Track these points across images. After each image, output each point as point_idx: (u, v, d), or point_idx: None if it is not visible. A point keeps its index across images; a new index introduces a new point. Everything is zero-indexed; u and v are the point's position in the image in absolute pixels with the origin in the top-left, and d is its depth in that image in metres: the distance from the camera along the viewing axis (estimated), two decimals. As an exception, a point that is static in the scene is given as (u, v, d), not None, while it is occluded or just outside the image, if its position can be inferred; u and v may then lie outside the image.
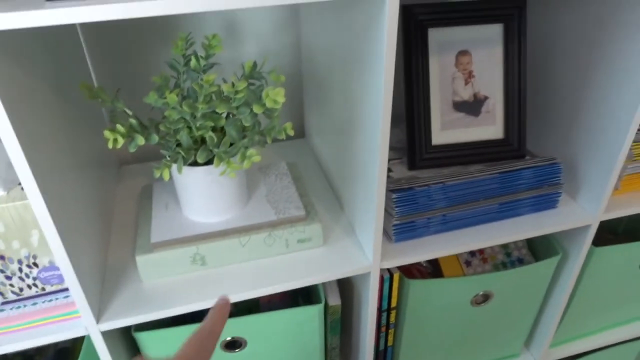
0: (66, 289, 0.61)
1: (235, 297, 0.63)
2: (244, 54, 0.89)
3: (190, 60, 0.64)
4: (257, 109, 0.54)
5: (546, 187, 0.74)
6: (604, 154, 0.71)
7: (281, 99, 0.53)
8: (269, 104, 0.54)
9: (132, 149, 0.58)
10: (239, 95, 0.55)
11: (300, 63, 0.92)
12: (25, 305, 0.59)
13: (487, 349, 0.93)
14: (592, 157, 0.73)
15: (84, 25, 0.80)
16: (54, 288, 0.60)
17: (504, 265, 0.88)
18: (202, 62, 0.60)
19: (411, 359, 0.87)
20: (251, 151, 0.57)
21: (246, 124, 0.57)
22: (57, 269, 0.59)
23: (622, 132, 0.67)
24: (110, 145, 0.56)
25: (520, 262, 0.88)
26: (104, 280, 0.65)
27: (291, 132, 0.60)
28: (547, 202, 0.76)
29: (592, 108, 0.71)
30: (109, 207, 0.78)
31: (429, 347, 0.86)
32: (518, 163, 0.73)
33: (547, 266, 0.82)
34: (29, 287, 0.59)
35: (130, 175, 0.89)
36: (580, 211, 0.76)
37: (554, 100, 0.79)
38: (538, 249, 0.87)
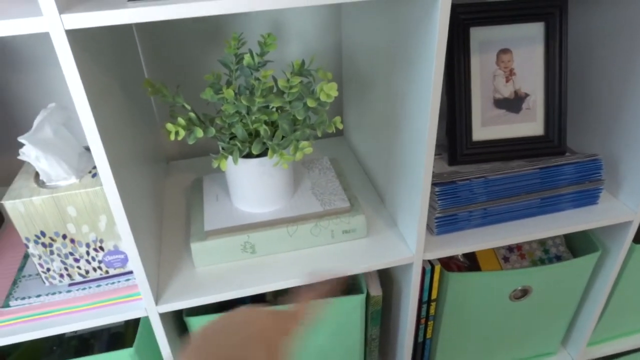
0: (127, 273, 0.65)
1: (284, 284, 0.66)
2: (286, 54, 0.92)
3: (242, 58, 0.67)
4: (310, 102, 0.57)
5: (587, 182, 0.75)
6: (647, 150, 0.71)
7: (334, 93, 0.56)
8: (322, 98, 0.56)
9: (191, 141, 0.62)
10: (294, 90, 0.58)
11: (341, 62, 0.95)
12: (90, 287, 0.63)
13: (524, 345, 0.94)
14: (635, 154, 0.74)
15: (138, 24, 0.85)
16: (116, 271, 0.64)
17: (542, 262, 0.88)
18: (257, 59, 0.63)
19: (449, 352, 0.88)
20: (303, 143, 0.60)
21: (299, 117, 0.60)
22: (121, 253, 0.63)
23: (666, 128, 0.67)
24: (172, 138, 0.60)
25: (558, 259, 0.88)
26: (160, 266, 0.69)
27: (340, 126, 0.62)
28: (587, 198, 0.76)
29: (636, 104, 0.72)
30: (161, 199, 0.82)
31: (467, 340, 0.88)
32: (559, 159, 0.74)
33: (586, 262, 0.82)
34: (94, 269, 0.63)
35: (178, 170, 0.93)
36: (622, 207, 0.77)
37: (595, 97, 0.80)
38: (577, 246, 0.88)
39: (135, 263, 0.59)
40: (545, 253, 0.89)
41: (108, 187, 0.52)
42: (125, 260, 0.63)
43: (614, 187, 0.79)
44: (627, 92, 0.73)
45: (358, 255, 0.70)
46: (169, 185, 0.88)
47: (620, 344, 0.99)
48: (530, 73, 0.76)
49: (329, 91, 0.56)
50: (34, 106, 0.85)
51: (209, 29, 0.88)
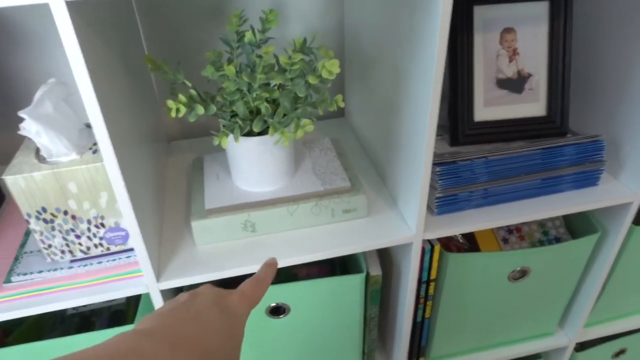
0: (128, 250, 0.65)
1: (284, 262, 0.67)
2: (287, 33, 0.92)
3: (244, 35, 0.67)
4: (312, 79, 0.57)
5: (588, 163, 0.75)
6: (649, 131, 0.71)
7: (336, 70, 0.56)
8: (324, 75, 0.56)
9: (192, 118, 0.62)
10: (295, 67, 0.58)
11: (343, 42, 0.95)
12: (91, 264, 0.64)
13: (522, 326, 0.95)
14: (636, 135, 0.73)
15: None
16: (117, 248, 0.65)
17: (541, 244, 0.89)
18: (259, 36, 0.62)
19: (447, 332, 0.89)
20: (305, 121, 0.59)
21: (300, 95, 0.59)
22: (122, 230, 0.63)
23: (669, 109, 0.67)
24: (172, 115, 0.60)
25: (558, 240, 0.89)
26: (161, 244, 0.69)
27: (342, 104, 0.62)
28: (588, 179, 0.76)
29: (639, 85, 0.71)
30: (162, 178, 0.82)
31: (465, 320, 0.88)
32: (560, 140, 0.74)
33: (585, 244, 0.83)
34: (96, 246, 0.63)
35: (179, 150, 0.93)
36: (622, 189, 0.77)
37: (598, 78, 0.79)
38: (576, 227, 0.88)
39: (136, 240, 0.59)
40: (544, 235, 0.89)
41: (109, 163, 0.52)
42: (126, 237, 0.64)
43: (614, 168, 0.79)
44: (631, 73, 0.72)
45: (358, 234, 0.70)
46: (170, 165, 0.88)
47: (617, 326, 1.00)
48: (533, 53, 0.76)
49: (330, 68, 0.56)
50: (34, 82, 0.85)
51: (210, 6, 0.87)
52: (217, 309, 0.39)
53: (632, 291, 0.96)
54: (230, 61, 0.68)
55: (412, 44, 0.59)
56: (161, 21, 0.86)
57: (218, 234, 0.68)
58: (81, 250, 0.63)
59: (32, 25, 0.81)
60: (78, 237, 0.62)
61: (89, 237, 0.62)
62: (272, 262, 0.49)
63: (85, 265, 0.63)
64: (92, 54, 0.49)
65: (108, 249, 0.64)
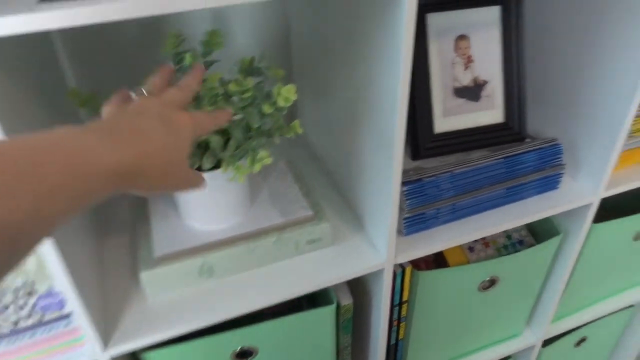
0: (66, 316, 0.56)
1: (249, 309, 0.60)
2: (228, 50, 0.84)
3: (183, 58, 0.59)
4: (267, 108, 0.51)
5: (549, 168, 0.74)
6: (605, 132, 0.71)
7: (293, 97, 0.50)
8: (281, 103, 0.50)
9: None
10: (246, 95, 0.51)
11: (290, 56, 0.88)
12: (22, 338, 0.54)
13: (492, 331, 0.94)
14: (592, 136, 0.73)
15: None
16: (53, 316, 0.55)
17: (506, 248, 0.88)
18: (201, 60, 0.55)
19: (421, 349, 0.86)
20: (262, 153, 0.53)
21: (254, 125, 0.53)
22: (56, 295, 0.54)
23: (623, 110, 0.67)
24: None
25: (521, 243, 0.88)
26: (106, 302, 0.61)
27: (299, 130, 0.56)
28: (549, 184, 0.76)
29: (592, 87, 0.71)
30: (99, 220, 0.72)
31: (437, 335, 0.86)
32: (521, 146, 0.72)
33: (549, 247, 0.82)
34: (27, 317, 0.54)
35: (115, 183, 0.83)
36: (582, 190, 0.77)
37: (552, 82, 0.79)
38: (537, 229, 0.88)
39: (74, 305, 0.51)
40: (508, 239, 0.88)
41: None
42: (62, 302, 0.55)
43: (572, 169, 0.79)
44: (585, 73, 0.72)
45: (326, 266, 0.65)
46: (107, 203, 0.79)
47: (579, 318, 1.02)
48: (488, 59, 0.74)
49: (287, 94, 0.50)
50: None
51: (143, 27, 0.78)
52: (161, 121, 0.38)
53: (592, 284, 0.98)
54: (168, 88, 0.61)
55: (371, 56, 0.55)
56: (90, 51, 0.75)
57: (172, 283, 0.61)
58: (8, 325, 0.54)
59: None
60: (4, 309, 0.52)
61: (17, 309, 0.53)
62: (228, 112, 0.48)
63: (15, 341, 0.54)
64: (3, 96, 0.40)
65: (41, 318, 0.55)
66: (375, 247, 0.67)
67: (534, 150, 0.72)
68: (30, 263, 0.51)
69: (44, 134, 0.30)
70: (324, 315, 0.70)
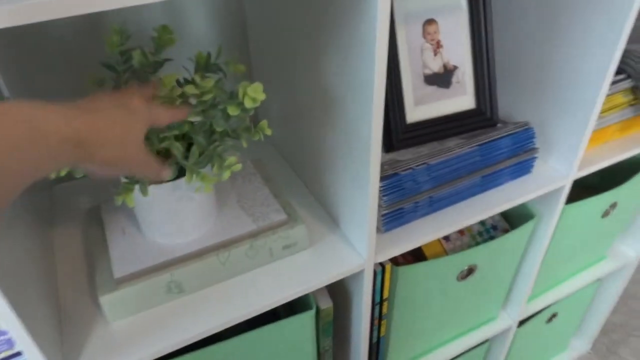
0: (17, 354, 0.50)
1: (224, 324, 0.56)
2: (180, 44, 0.78)
3: (131, 57, 0.53)
4: (232, 110, 0.46)
5: (522, 153, 0.73)
6: (576, 113, 0.70)
7: (261, 96, 0.45)
8: (247, 104, 0.45)
9: (78, 175, 0.48)
10: (206, 98, 0.46)
11: (247, 48, 0.83)
12: (-32, 383, 0.48)
13: (469, 318, 0.93)
14: (563, 118, 0.72)
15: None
16: (3, 355, 0.49)
17: (480, 235, 0.87)
18: (152, 58, 0.49)
19: (402, 344, 0.85)
20: (231, 159, 0.48)
21: (218, 129, 0.48)
22: (4, 332, 0.48)
23: (595, 89, 0.66)
24: (52, 176, 0.45)
25: (495, 228, 0.88)
26: (62, 334, 0.55)
27: (268, 132, 0.52)
28: (523, 169, 0.74)
29: (562, 68, 0.70)
30: (48, 239, 0.66)
31: (418, 328, 0.84)
32: (494, 132, 0.70)
33: (524, 231, 0.82)
34: (-30, 360, 0.48)
35: (65, 195, 0.76)
36: (554, 173, 0.76)
37: (520, 64, 0.77)
38: (510, 213, 0.87)
39: (23, 342, 0.45)
40: (482, 225, 0.87)
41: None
42: (11, 340, 0.48)
43: (544, 152, 0.78)
44: (554, 54, 0.70)
45: (304, 271, 0.61)
46: (57, 218, 0.72)
47: (551, 296, 1.03)
48: (456, 44, 0.71)
49: (254, 94, 0.45)
50: None
51: (83, 25, 0.70)
52: (115, 101, 0.42)
53: (563, 262, 0.99)
54: (117, 90, 0.54)
55: (340, 45, 0.50)
56: (23, 55, 0.67)
57: (136, 305, 0.56)
58: (-51, 370, 0.47)
59: None
60: (-60, 355, 0.46)
61: (-43, 352, 0.46)
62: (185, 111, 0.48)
63: (-41, 387, 0.48)
64: None
65: (-12, 358, 0.49)
66: (354, 247, 0.64)
67: (507, 135, 0.70)
68: (-31, 300, 0.44)
69: (8, 102, 0.33)
70: (304, 321, 0.66)
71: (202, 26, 0.77)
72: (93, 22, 0.70)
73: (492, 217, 0.88)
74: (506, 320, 0.99)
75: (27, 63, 0.68)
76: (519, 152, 0.72)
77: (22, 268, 0.49)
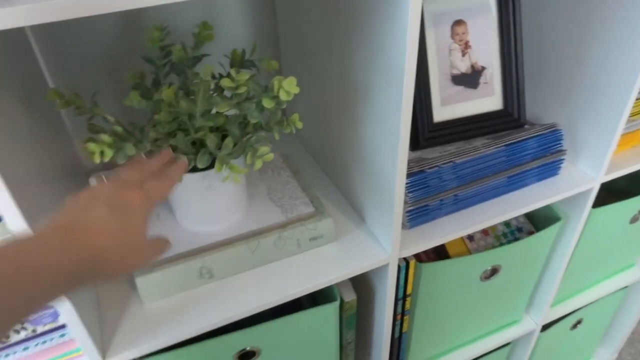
0: (60, 327, 0.53)
1: (252, 310, 0.58)
2: (214, 42, 0.81)
3: (170, 52, 0.56)
4: (267, 102, 0.48)
5: (550, 155, 0.73)
6: (605, 116, 0.70)
7: (294, 90, 0.48)
8: (282, 96, 0.47)
9: (120, 160, 0.51)
10: (241, 90, 0.48)
11: (277, 45, 0.85)
12: (15, 352, 0.51)
13: (492, 319, 0.93)
14: (593, 120, 0.72)
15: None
16: (46, 328, 0.53)
17: (505, 236, 0.87)
18: (191, 53, 0.52)
19: (424, 340, 0.85)
20: (263, 149, 0.51)
21: (253, 121, 0.50)
22: (49, 306, 0.51)
23: (625, 93, 0.66)
24: (97, 160, 0.49)
25: (520, 230, 0.88)
26: (101, 311, 0.58)
27: (299, 125, 0.54)
28: (550, 170, 0.75)
29: (592, 70, 0.70)
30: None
31: (441, 326, 0.85)
32: (521, 133, 0.71)
33: (550, 233, 0.82)
34: (17, 331, 0.51)
35: (103, 184, 0.80)
36: (582, 175, 0.76)
37: (550, 65, 0.77)
38: (535, 215, 0.87)
39: (68, 315, 0.48)
40: (507, 226, 0.87)
41: (16, 227, 0.41)
42: (55, 313, 0.52)
43: (572, 155, 0.78)
44: (585, 57, 0.71)
45: (330, 263, 0.63)
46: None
47: (576, 301, 1.02)
48: (485, 45, 0.72)
49: (288, 88, 0.47)
50: None
51: (122, 20, 0.74)
52: (109, 209, 0.38)
53: (589, 268, 0.98)
54: (156, 83, 0.58)
55: (370, 45, 0.52)
56: (67, 48, 0.71)
57: (170, 288, 0.58)
58: (-2, 339, 0.51)
59: None
60: (-8, 324, 0.49)
61: (6, 323, 0.50)
62: (182, 164, 0.48)
63: (7, 355, 0.51)
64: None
65: (34, 330, 0.52)
66: (379, 242, 0.66)
67: (535, 136, 0.71)
68: (19, 275, 0.48)
69: (4, 243, 0.32)
70: (327, 313, 0.68)
71: (235, 25, 0.80)
72: (133, 19, 0.73)
73: (517, 219, 0.88)
74: (530, 323, 0.99)
75: (70, 56, 0.72)
76: (546, 153, 0.72)
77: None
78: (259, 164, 0.51)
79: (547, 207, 0.83)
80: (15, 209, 0.40)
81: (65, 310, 0.47)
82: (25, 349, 0.52)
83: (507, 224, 0.88)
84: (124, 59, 0.75)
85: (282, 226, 0.62)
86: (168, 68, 0.58)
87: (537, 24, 0.77)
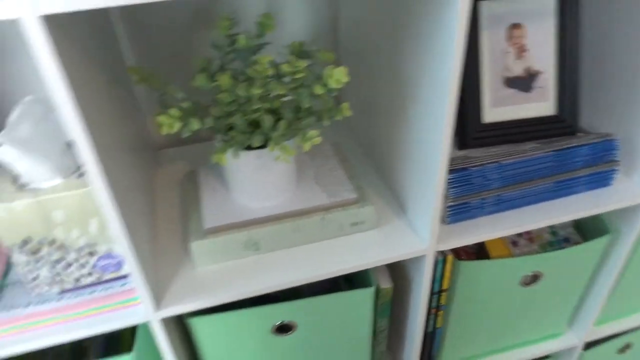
0: (122, 277, 0.60)
1: (291, 283, 0.62)
2: (277, 35, 0.86)
3: (236, 40, 0.62)
4: (318, 89, 0.52)
5: (602, 164, 0.72)
6: (665, 128, 0.68)
7: (345, 79, 0.51)
8: (332, 84, 0.51)
9: (185, 134, 0.57)
10: (298, 76, 0.53)
11: (336, 39, 0.89)
12: (82, 294, 0.59)
13: (532, 329, 0.92)
14: (651, 132, 0.71)
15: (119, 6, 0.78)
16: (110, 276, 0.60)
17: (551, 245, 0.86)
18: (254, 42, 0.57)
19: (458, 340, 0.86)
20: (312, 132, 0.55)
21: (306, 106, 0.55)
22: (114, 257, 0.58)
23: (687, 106, 0.64)
24: (165, 131, 0.55)
25: (567, 241, 0.86)
26: (157, 268, 0.64)
27: (348, 113, 0.58)
28: (602, 180, 0.73)
29: (653, 81, 0.68)
30: (152, 193, 0.77)
31: (476, 327, 0.86)
32: (573, 140, 0.71)
33: (597, 245, 0.80)
34: (86, 275, 0.58)
35: (168, 159, 0.87)
36: (635, 188, 0.74)
37: (608, 74, 0.76)
38: (585, 227, 0.85)
39: (131, 267, 0.54)
40: (553, 235, 0.86)
41: (97, 187, 0.47)
42: (120, 264, 0.59)
43: (627, 167, 0.76)
44: (645, 68, 0.69)
45: (369, 248, 0.66)
46: (160, 177, 0.83)
47: (625, 323, 0.98)
48: (542, 49, 0.72)
49: (338, 76, 0.51)
50: (7, 101, 0.78)
51: (197, 10, 0.81)
52: None
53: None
54: (222, 68, 0.63)
55: (422, 43, 0.55)
56: (147, 29, 0.80)
57: (219, 255, 0.64)
58: (71, 281, 0.58)
59: (3, 38, 0.74)
60: (67, 267, 0.57)
61: (79, 267, 0.57)
62: None
63: (77, 296, 0.58)
64: (69, 68, 0.43)
65: (100, 277, 0.59)
66: (418, 233, 0.68)
67: (587, 144, 0.70)
68: (92, 226, 0.55)
69: None
70: (363, 297, 0.71)
71: (297, 15, 0.85)
72: (206, 8, 0.80)
73: (565, 230, 0.87)
74: (572, 338, 0.96)
75: (149, 39, 0.80)
76: (598, 162, 0.72)
77: (135, 212, 0.59)
78: (307, 146, 0.55)
79: (598, 220, 0.82)
80: (97, 169, 0.46)
81: (129, 262, 0.54)
82: (92, 292, 0.59)
83: (554, 233, 0.87)
84: (194, 45, 0.82)
85: (326, 209, 0.66)
86: (233, 55, 0.63)
87: (598, 30, 0.76)
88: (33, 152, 0.51)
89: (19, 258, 0.54)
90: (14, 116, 0.51)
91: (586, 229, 0.85)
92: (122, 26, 0.78)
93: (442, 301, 0.77)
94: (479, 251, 0.85)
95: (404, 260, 0.76)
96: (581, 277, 0.85)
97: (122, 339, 0.80)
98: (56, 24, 0.41)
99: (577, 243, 0.85)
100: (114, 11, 0.77)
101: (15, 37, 0.74)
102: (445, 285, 0.75)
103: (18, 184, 0.53)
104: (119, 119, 0.62)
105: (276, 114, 0.60)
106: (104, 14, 0.71)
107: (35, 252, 0.54)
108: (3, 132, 0.49)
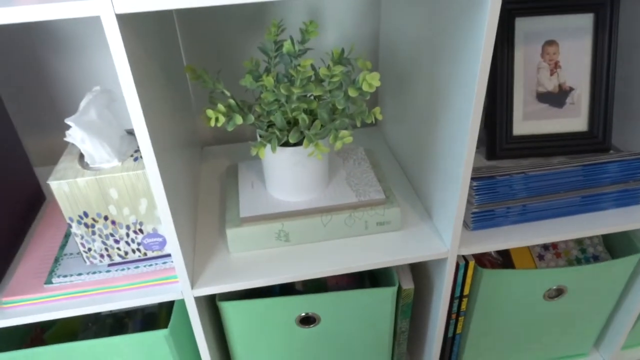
0: (165, 256, 0.66)
1: (317, 274, 0.66)
2: (322, 42, 0.92)
3: (282, 45, 0.67)
4: (352, 92, 0.57)
5: (632, 182, 0.72)
6: (698, 150, 0.68)
7: (377, 83, 0.56)
8: (365, 88, 0.56)
9: (230, 128, 0.62)
10: (335, 79, 0.57)
11: (377, 51, 0.94)
12: (128, 268, 0.65)
13: (555, 346, 0.92)
14: (684, 153, 0.71)
15: (178, 9, 0.85)
16: (154, 254, 0.66)
17: (579, 262, 0.86)
18: (297, 47, 0.63)
19: (478, 348, 0.87)
20: (343, 132, 0.59)
21: (339, 107, 0.59)
22: (159, 236, 0.64)
23: None
24: (212, 124, 0.60)
25: (596, 259, 0.86)
26: (195, 251, 0.70)
27: (380, 117, 0.62)
28: (632, 198, 0.74)
29: (688, 102, 0.69)
30: (196, 184, 0.83)
31: (497, 337, 0.86)
32: (603, 156, 0.72)
33: (625, 264, 0.80)
34: (133, 251, 0.65)
35: (212, 156, 0.94)
36: (667, 209, 0.74)
37: (643, 94, 0.77)
38: (616, 246, 0.85)
39: (173, 247, 0.60)
40: (582, 252, 0.87)
41: (151, 170, 0.53)
42: (163, 243, 0.64)
43: (659, 187, 0.76)
44: (680, 88, 0.70)
45: (392, 247, 0.69)
46: (204, 171, 0.89)
47: (655, 349, 0.96)
48: (576, 66, 0.74)
49: (371, 81, 0.55)
50: (78, 89, 0.87)
51: (248, 16, 0.88)
52: None
53: (673, 314, 0.92)
54: (267, 71, 0.69)
55: (452, 57, 0.58)
56: (200, 31, 0.87)
57: (252, 243, 0.69)
58: (119, 255, 0.65)
59: (78, 35, 0.83)
60: (117, 241, 0.63)
61: (127, 242, 0.64)
62: None
63: (123, 269, 0.65)
64: (137, 63, 0.50)
65: (145, 254, 0.65)
66: (441, 237, 0.71)
67: (617, 161, 0.71)
68: (142, 206, 0.61)
69: None
70: (385, 296, 0.74)
71: (341, 21, 0.90)
72: (254, 14, 0.87)
73: (594, 247, 0.87)
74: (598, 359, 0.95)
75: (204, 41, 0.87)
76: (628, 179, 0.72)
77: (181, 198, 0.64)
78: (339, 145, 0.60)
79: (628, 239, 0.81)
80: (152, 155, 0.52)
81: (171, 242, 0.59)
82: (137, 267, 0.65)
83: (583, 250, 0.87)
84: (243, 48, 0.89)
85: (354, 207, 0.70)
86: (278, 59, 0.69)
87: (631, 48, 0.77)
88: (96, 135, 0.57)
89: (77, 230, 0.61)
90: (83, 103, 0.58)
91: (616, 249, 0.85)
92: (179, 27, 0.86)
93: (463, 307, 0.79)
94: (504, 262, 0.86)
95: (426, 263, 0.78)
96: (608, 296, 0.85)
97: (159, 318, 0.86)
98: (128, 22, 0.47)
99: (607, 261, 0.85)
100: (174, 11, 0.85)
101: (91, 35, 0.83)
102: (466, 291, 0.77)
103: (82, 164, 0.60)
104: (173, 115, 0.68)
105: (313, 114, 0.64)
106: (169, 15, 0.78)
107: (90, 225, 0.61)
108: (74, 116, 0.56)
